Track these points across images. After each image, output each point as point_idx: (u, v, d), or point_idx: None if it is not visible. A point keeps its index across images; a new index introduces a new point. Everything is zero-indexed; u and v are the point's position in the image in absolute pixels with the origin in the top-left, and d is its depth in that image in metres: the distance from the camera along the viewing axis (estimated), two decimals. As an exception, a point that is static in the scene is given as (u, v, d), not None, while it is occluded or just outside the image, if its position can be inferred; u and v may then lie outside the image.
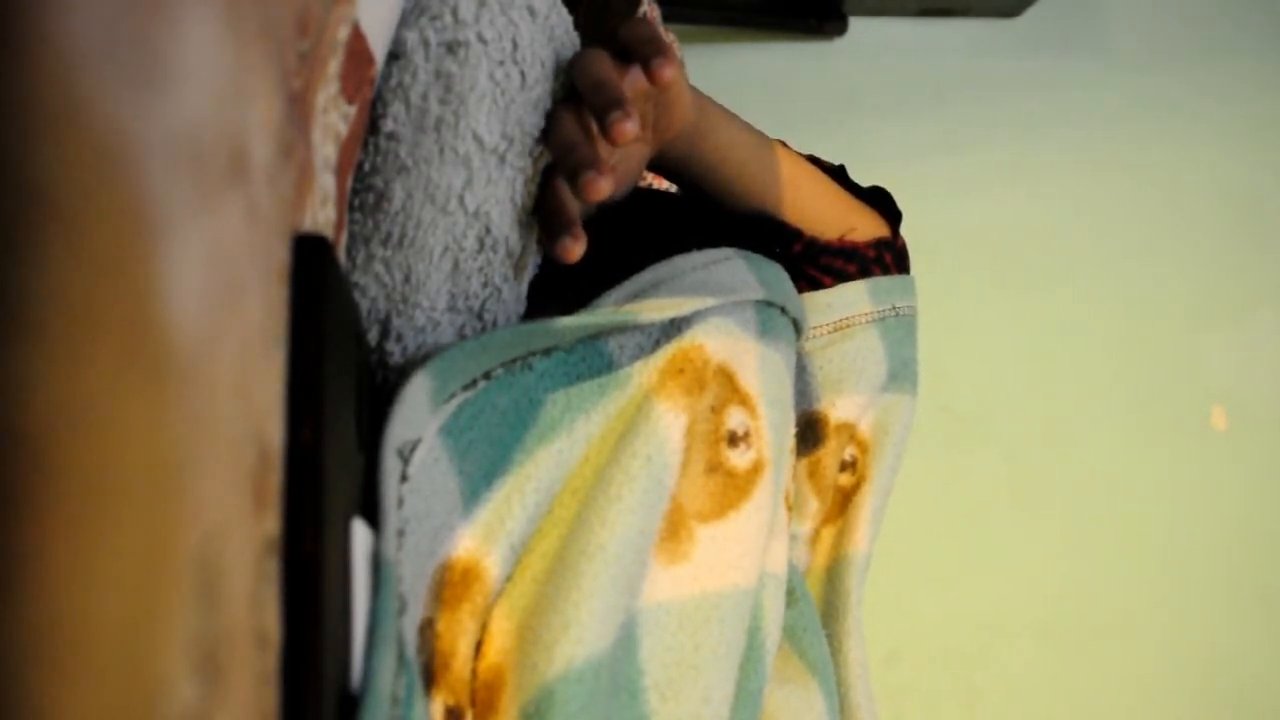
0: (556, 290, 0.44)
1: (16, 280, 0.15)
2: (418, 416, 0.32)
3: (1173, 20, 1.58)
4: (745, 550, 0.40)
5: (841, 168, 0.59)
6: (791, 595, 0.46)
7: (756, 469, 0.41)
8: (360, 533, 0.28)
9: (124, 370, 0.17)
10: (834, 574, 0.51)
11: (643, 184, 0.71)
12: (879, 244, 0.56)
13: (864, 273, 0.55)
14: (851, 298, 0.54)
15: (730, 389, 0.42)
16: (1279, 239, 1.50)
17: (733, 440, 0.41)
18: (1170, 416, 1.43)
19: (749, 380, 0.42)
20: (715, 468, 0.40)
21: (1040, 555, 1.36)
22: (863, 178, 0.59)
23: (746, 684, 0.40)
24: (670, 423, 0.39)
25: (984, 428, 1.40)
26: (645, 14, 0.85)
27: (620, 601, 0.35)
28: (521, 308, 0.42)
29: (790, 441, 0.46)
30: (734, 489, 0.40)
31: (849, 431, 0.53)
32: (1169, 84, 1.55)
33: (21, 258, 0.15)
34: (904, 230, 0.59)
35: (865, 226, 0.56)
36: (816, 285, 0.55)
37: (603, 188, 0.35)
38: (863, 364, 0.53)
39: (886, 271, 0.56)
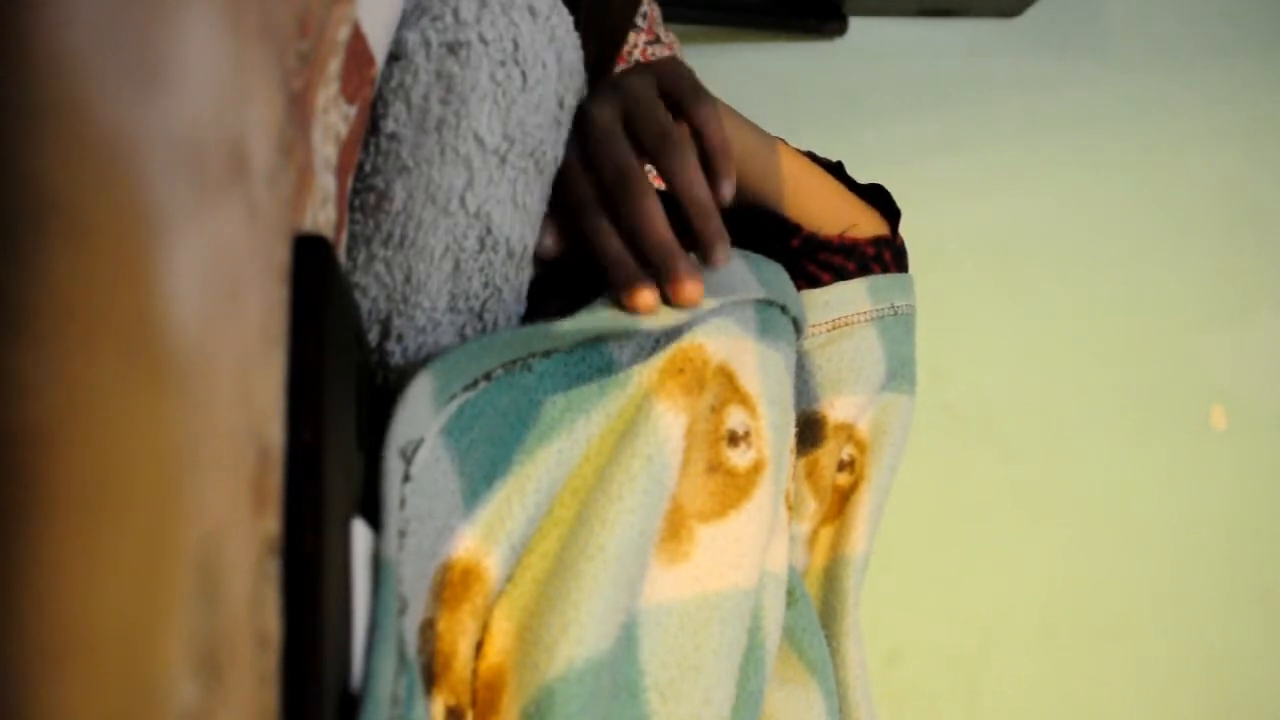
0: (556, 290, 0.44)
1: (17, 280, 0.15)
2: (420, 417, 0.32)
3: (1172, 20, 1.58)
4: (746, 550, 0.40)
5: (839, 164, 0.59)
6: (791, 595, 0.46)
7: (757, 469, 0.41)
8: (361, 533, 0.28)
9: (124, 370, 0.17)
10: (832, 574, 0.51)
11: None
12: (878, 242, 0.56)
13: (863, 270, 0.55)
14: (850, 296, 0.54)
15: (730, 388, 0.42)
16: (1279, 239, 1.50)
17: (733, 440, 0.41)
18: (1170, 416, 1.43)
19: (749, 380, 0.42)
20: (715, 467, 0.40)
21: (1040, 555, 1.36)
22: (862, 177, 0.59)
23: (746, 684, 0.39)
24: (670, 422, 0.39)
25: (984, 428, 1.40)
26: (645, 13, 0.85)
27: (620, 602, 0.35)
28: (522, 308, 0.42)
29: (791, 441, 0.46)
30: (734, 489, 0.40)
31: (847, 431, 0.53)
32: (1168, 84, 1.54)
33: (22, 257, 0.15)
34: (904, 230, 0.59)
35: (865, 224, 0.56)
36: (815, 282, 0.54)
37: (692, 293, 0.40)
38: (861, 363, 0.53)
39: (885, 270, 0.56)
